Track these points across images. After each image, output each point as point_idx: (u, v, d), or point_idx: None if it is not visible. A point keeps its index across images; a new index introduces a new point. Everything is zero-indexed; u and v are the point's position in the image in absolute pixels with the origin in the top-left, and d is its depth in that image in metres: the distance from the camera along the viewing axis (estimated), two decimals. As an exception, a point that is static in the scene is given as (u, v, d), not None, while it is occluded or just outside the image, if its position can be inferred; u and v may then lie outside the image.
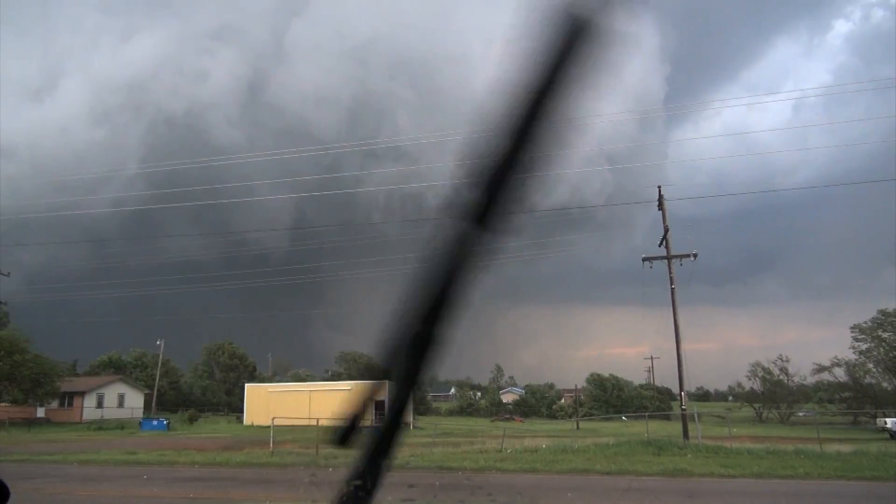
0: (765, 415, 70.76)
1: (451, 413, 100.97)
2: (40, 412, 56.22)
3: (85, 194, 78.75)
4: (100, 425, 48.43)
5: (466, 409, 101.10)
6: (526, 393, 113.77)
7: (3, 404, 50.07)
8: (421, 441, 32.45)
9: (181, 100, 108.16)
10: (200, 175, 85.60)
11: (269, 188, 78.87)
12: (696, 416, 27.15)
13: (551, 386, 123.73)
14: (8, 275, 44.00)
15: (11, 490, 1.34)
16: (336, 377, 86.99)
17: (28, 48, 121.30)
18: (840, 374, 64.43)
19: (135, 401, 66.99)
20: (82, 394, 59.93)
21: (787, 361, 70.28)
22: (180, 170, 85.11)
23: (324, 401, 53.25)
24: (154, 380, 70.01)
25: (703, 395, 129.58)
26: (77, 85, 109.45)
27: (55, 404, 57.82)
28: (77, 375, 69.28)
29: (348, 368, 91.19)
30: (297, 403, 52.41)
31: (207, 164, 66.95)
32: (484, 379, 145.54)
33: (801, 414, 67.87)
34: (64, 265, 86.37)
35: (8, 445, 29.31)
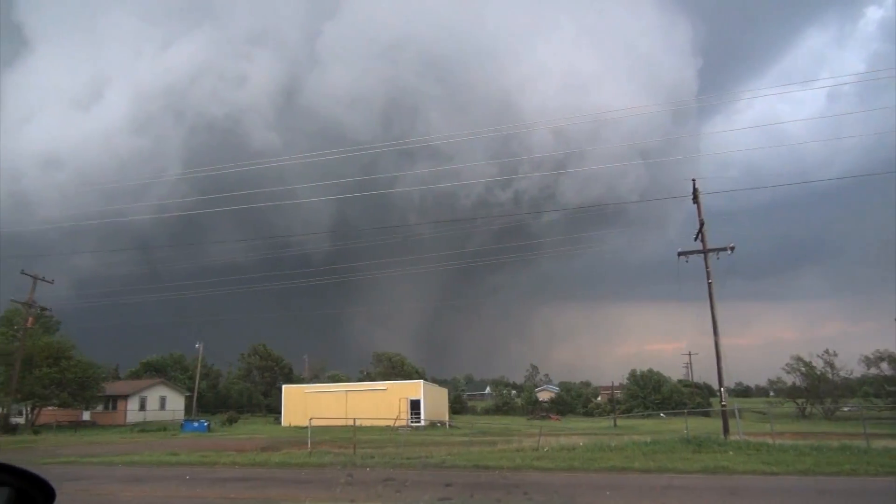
0: (808, 410, 69.09)
1: (486, 411, 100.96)
2: (86, 415, 57.87)
3: (130, 201, 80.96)
4: (143, 427, 49.56)
5: (502, 408, 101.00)
6: (562, 391, 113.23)
7: (50, 408, 51.60)
8: (457, 440, 32.49)
9: (221, 105, 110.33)
10: (241, 179, 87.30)
11: (306, 190, 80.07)
12: (736, 412, 26.64)
13: (587, 383, 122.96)
14: (52, 282, 45.28)
15: (58, 491, 1.37)
16: (368, 377, 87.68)
17: (74, 59, 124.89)
18: (885, 368, 62.70)
19: (176, 403, 68.44)
20: (126, 397, 61.43)
21: (835, 356, 68.35)
22: (221, 174, 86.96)
23: (360, 401, 53.73)
24: (194, 382, 71.39)
25: (743, 391, 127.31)
26: (121, 94, 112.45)
27: (100, 407, 59.42)
28: (119, 379, 71.04)
29: (384, 369, 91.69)
30: (334, 404, 52.98)
31: (247, 167, 68.16)
32: (519, 377, 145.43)
33: (846, 409, 66.10)
34: (111, 271, 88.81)
35: (55, 447, 30.16)
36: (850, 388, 70.61)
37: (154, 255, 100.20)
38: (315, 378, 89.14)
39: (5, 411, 46.22)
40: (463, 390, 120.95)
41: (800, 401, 70.44)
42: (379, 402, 53.08)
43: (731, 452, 19.91)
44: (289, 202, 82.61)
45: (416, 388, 56.93)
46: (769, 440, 22.07)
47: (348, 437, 26.99)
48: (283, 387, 63.83)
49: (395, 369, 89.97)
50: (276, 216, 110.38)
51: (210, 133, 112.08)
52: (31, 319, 44.86)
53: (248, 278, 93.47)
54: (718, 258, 27.15)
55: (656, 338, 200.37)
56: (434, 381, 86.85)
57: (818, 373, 68.79)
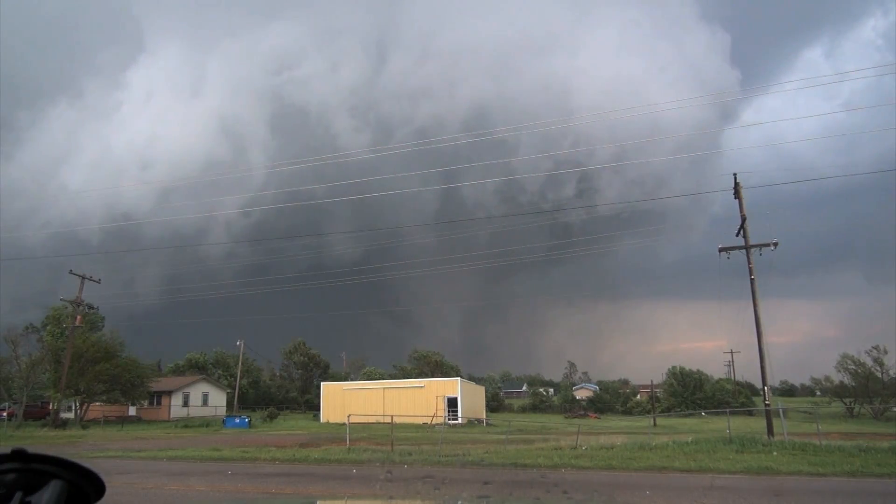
0: (856, 410, 67.01)
1: (523, 409, 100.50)
2: (132, 410, 59.45)
3: (218, 197, 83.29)
4: (186, 423, 50.63)
5: (539, 406, 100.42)
6: (600, 389, 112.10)
7: (98, 403, 53.15)
8: (494, 438, 32.43)
9: (309, 97, 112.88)
10: (323, 172, 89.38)
11: (387, 183, 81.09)
12: (780, 411, 26.01)
13: (626, 382, 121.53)
14: (99, 281, 46.59)
15: (107, 484, 1.42)
16: (403, 372, 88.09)
17: (183, 51, 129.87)
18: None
19: (218, 399, 69.82)
20: (170, 393, 62.90)
21: (885, 353, 65.96)
22: (300, 170, 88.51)
23: (397, 398, 54.05)
24: (235, 379, 72.70)
25: (788, 390, 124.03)
26: (216, 90, 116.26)
27: (145, 403, 60.97)
28: (161, 375, 72.79)
29: (419, 366, 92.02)
30: (372, 401, 53.38)
31: (319, 161, 69.13)
32: (556, 375, 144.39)
33: (895, 409, 63.97)
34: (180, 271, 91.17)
35: (103, 442, 31.05)
36: (896, 388, 68.20)
37: (232, 251, 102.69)
38: (351, 375, 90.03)
39: (55, 407, 47.79)
40: (499, 388, 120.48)
41: (847, 400, 68.38)
42: (416, 400, 53.32)
43: (775, 453, 19.47)
44: (352, 198, 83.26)
45: (453, 386, 56.95)
46: (815, 441, 21.48)
47: (386, 434, 27.18)
48: (322, 384, 64.57)
49: (433, 367, 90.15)
50: (348, 211, 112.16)
51: (296, 126, 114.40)
52: (79, 318, 46.24)
53: (289, 278, 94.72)
54: (762, 254, 26.56)
55: (695, 336, 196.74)
56: (471, 378, 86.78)
57: (867, 371, 66.65)
